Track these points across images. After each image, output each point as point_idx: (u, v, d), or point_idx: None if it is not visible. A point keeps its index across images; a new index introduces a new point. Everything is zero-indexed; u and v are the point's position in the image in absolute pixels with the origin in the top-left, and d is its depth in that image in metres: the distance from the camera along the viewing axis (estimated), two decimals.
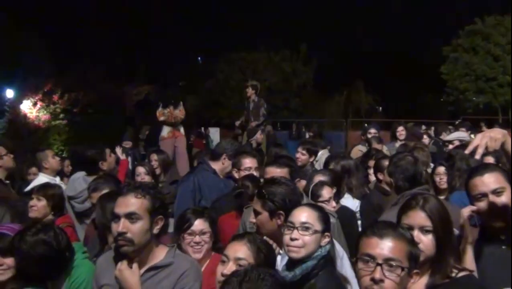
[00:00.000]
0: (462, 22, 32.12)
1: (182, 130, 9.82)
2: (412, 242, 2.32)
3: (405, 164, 4.16)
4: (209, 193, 4.93)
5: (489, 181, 2.98)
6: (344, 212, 4.61)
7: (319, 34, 46.46)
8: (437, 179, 5.50)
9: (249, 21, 48.34)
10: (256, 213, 3.32)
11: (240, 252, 2.80)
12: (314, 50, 38.12)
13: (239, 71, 34.59)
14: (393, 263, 2.17)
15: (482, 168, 3.14)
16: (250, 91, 11.04)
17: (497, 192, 2.94)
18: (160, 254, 2.98)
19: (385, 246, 2.20)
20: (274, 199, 3.27)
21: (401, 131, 8.73)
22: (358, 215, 5.08)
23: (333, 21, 51.85)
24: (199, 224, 3.43)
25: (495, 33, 30.15)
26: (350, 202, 5.28)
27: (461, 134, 8.63)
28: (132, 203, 2.86)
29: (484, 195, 2.95)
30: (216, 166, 5.26)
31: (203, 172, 5.17)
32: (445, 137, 9.25)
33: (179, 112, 9.74)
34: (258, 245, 2.86)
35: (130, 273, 2.87)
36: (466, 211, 2.97)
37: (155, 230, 2.93)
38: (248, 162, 5.09)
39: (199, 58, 43.99)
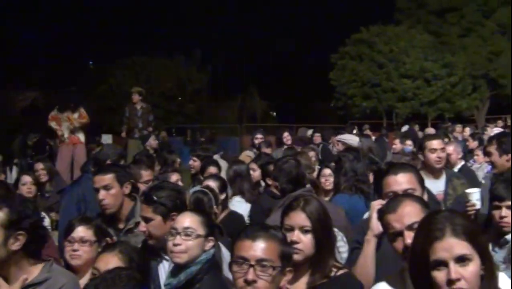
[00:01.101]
0: (349, 31, 33.59)
1: (82, 137, 9.46)
2: (284, 242, 2.39)
3: (289, 167, 4.30)
4: (95, 204, 4.76)
5: (402, 180, 3.09)
6: (232, 217, 4.69)
7: (214, 40, 46.73)
8: (322, 180, 5.73)
9: (144, 26, 47.60)
10: (147, 220, 3.28)
11: (111, 263, 2.72)
12: (209, 56, 38.35)
13: (133, 77, 33.87)
14: (265, 264, 2.23)
15: (397, 167, 3.26)
16: (137, 98, 11.05)
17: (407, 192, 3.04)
18: (34, 270, 2.83)
19: (257, 248, 2.24)
20: (164, 202, 3.27)
21: (287, 137, 9.11)
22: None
23: (228, 28, 52.41)
24: (80, 231, 3.30)
25: (379, 41, 31.79)
26: (243, 205, 5.41)
27: (347, 136, 9.03)
28: None
29: (395, 192, 3.03)
30: None
31: (88, 182, 4.97)
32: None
33: (80, 117, 9.40)
34: (130, 254, 2.80)
35: None
36: (376, 204, 3.05)
37: (15, 246, 2.72)
38: (148, 175, 5.04)
39: (91, 62, 42.60)
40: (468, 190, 3.99)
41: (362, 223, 3.43)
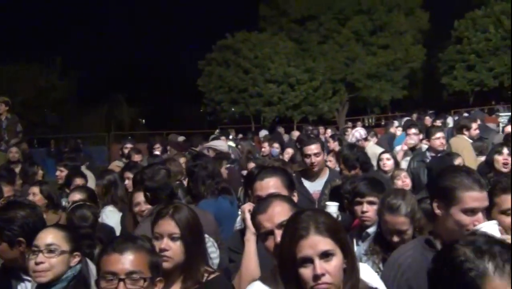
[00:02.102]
0: (215, 37, 33.99)
1: None
2: (153, 252, 2.36)
3: (161, 178, 4.23)
4: None
5: (267, 185, 3.20)
6: (101, 228, 4.54)
7: (76, 47, 44.98)
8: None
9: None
10: None
11: None
12: (72, 64, 36.78)
13: None
14: (135, 276, 2.19)
15: (263, 172, 3.35)
16: (3, 108, 10.35)
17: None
18: None
19: (126, 261, 2.20)
20: (11, 227, 3.06)
21: (158, 148, 9.17)
22: None
23: (92, 35, 50.80)
24: None
25: (244, 47, 32.52)
26: (116, 215, 5.29)
27: (216, 142, 9.16)
28: None
29: (260, 197, 3.12)
30: None
31: None
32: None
33: None
34: None
35: None
36: (246, 207, 3.13)
37: None
38: (8, 191, 4.75)
39: None
40: (327, 202, 4.16)
41: (237, 233, 3.49)
